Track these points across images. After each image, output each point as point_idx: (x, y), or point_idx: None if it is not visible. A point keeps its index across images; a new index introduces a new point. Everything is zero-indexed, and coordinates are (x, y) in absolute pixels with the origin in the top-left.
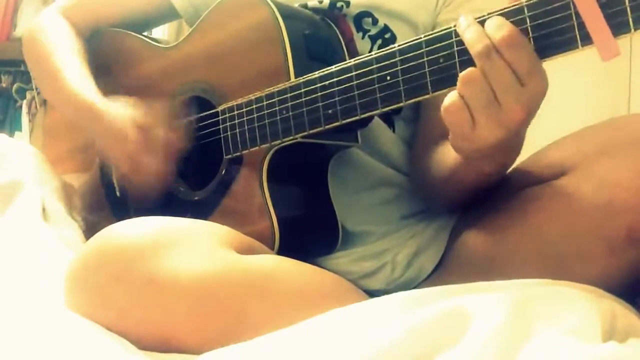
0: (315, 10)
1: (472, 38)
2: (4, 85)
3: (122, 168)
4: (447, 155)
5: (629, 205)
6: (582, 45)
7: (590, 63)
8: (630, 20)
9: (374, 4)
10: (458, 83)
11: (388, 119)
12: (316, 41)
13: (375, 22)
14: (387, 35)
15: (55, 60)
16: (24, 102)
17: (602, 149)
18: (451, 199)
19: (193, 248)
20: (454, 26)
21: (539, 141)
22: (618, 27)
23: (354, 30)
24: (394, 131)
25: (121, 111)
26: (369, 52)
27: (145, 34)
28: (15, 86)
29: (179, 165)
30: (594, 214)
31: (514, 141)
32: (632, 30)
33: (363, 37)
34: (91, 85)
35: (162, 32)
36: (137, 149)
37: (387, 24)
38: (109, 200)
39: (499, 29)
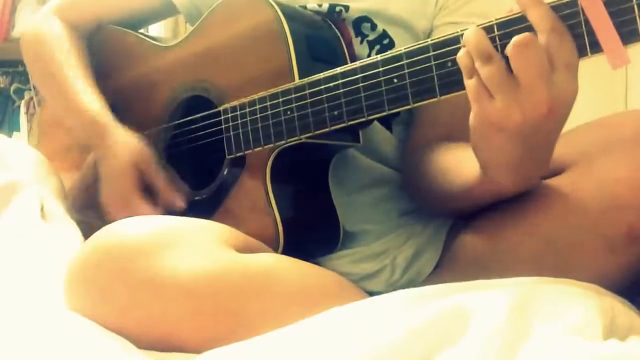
0: (314, 13)
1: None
2: (2, 85)
3: (111, 205)
4: (463, 172)
5: (629, 202)
6: (591, 53)
7: (586, 60)
8: None
9: (373, 10)
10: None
11: (385, 120)
12: (319, 42)
13: (374, 27)
14: (385, 41)
15: (60, 77)
16: (22, 103)
17: (601, 147)
18: (454, 211)
19: (193, 247)
20: (461, 31)
21: None
22: (628, 35)
23: (352, 34)
24: (390, 132)
25: (127, 142)
26: (367, 57)
27: (141, 31)
28: (13, 87)
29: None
30: (594, 211)
31: (541, 147)
32: None
33: (361, 42)
34: (97, 101)
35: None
36: (131, 192)
37: (386, 30)
38: None
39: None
